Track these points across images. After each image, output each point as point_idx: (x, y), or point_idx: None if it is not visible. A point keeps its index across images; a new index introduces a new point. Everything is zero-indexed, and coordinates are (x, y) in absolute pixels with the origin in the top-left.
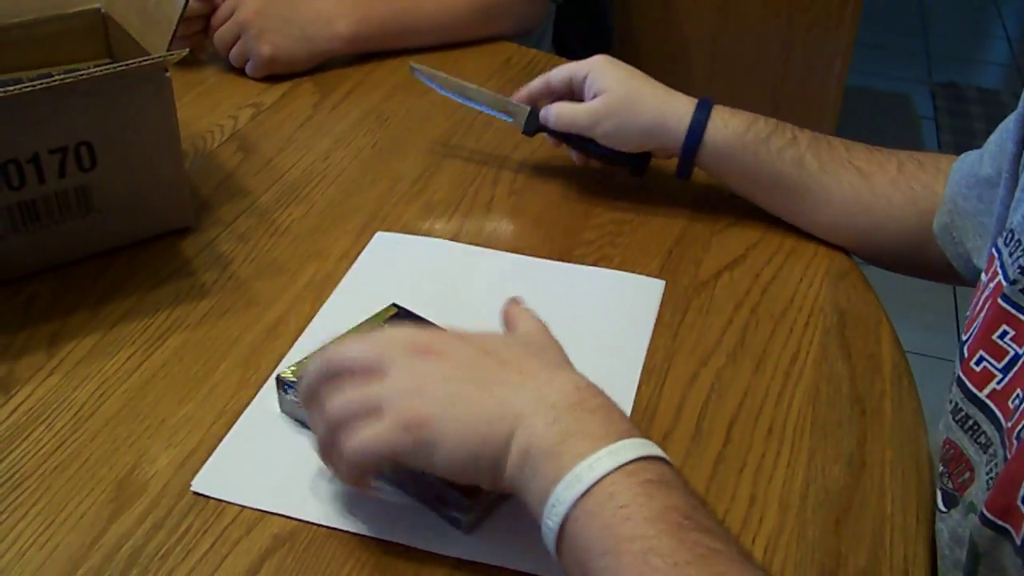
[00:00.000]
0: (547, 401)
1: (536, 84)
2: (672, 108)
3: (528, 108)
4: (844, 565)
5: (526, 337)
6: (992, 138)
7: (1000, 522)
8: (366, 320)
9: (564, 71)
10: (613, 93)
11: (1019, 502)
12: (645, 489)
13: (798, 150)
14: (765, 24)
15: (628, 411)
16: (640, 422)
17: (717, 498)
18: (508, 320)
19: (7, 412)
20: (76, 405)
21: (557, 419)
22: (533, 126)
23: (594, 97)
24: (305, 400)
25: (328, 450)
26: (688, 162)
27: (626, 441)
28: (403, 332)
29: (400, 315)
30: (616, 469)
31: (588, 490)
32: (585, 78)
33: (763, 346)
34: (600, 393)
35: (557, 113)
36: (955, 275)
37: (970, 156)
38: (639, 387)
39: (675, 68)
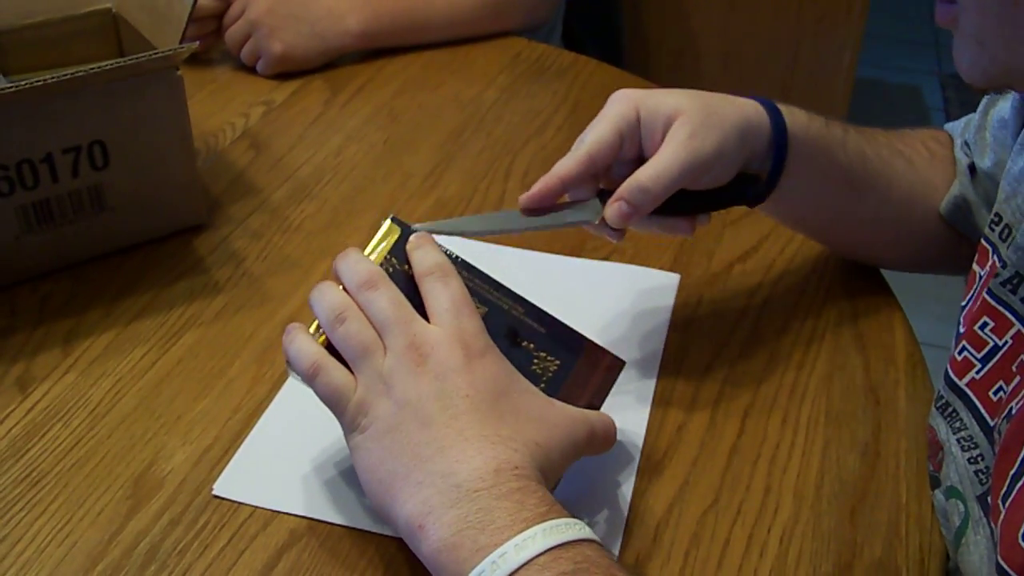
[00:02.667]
0: (452, 479)
1: (572, 168)
2: (742, 101)
3: (595, 197)
4: (860, 555)
5: (491, 382)
6: (977, 126)
7: (991, 524)
8: (372, 247)
9: (607, 128)
10: (686, 106)
11: (1000, 499)
12: None
13: (855, 140)
14: (774, 16)
15: (648, 404)
16: (655, 414)
17: (732, 489)
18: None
19: (24, 410)
20: (92, 403)
21: (456, 503)
22: None
23: (665, 132)
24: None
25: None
26: (780, 162)
27: (536, 529)
28: (401, 336)
29: (403, 237)
30: (525, 564)
31: None
32: (638, 118)
33: (776, 337)
34: (521, 475)
35: (651, 178)
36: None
37: (956, 126)
38: (659, 370)
39: (684, 60)
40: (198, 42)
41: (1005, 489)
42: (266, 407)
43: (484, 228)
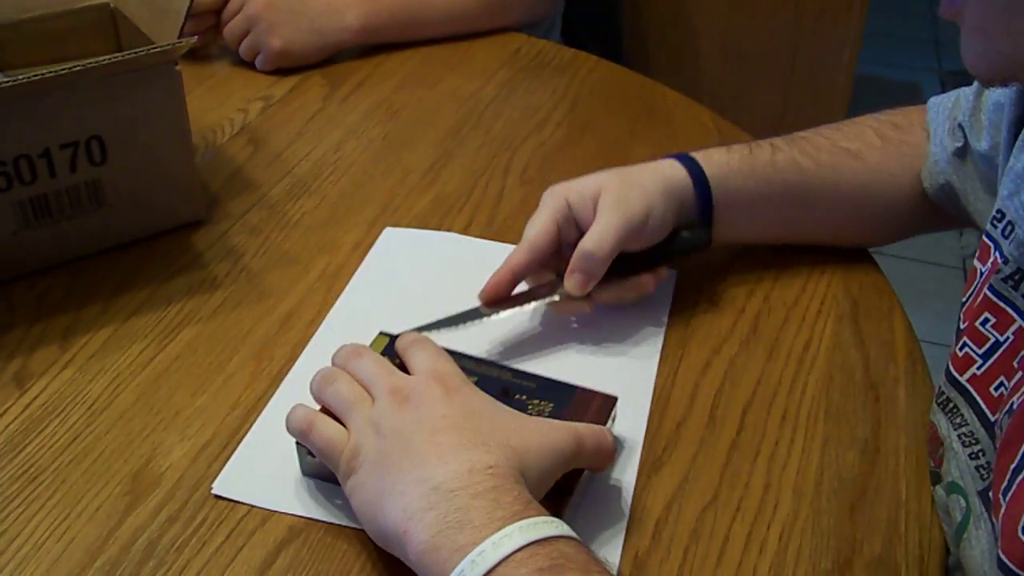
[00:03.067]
0: (430, 483)
1: (519, 260)
2: (656, 164)
3: (555, 278)
4: (859, 552)
5: (468, 404)
6: (972, 108)
7: (993, 519)
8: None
9: (543, 220)
10: (607, 181)
11: (1000, 493)
12: None
13: (785, 155)
14: (774, 14)
15: (647, 401)
16: (654, 411)
17: (731, 485)
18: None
19: (22, 406)
20: (90, 398)
21: (434, 505)
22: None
23: (595, 207)
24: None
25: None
26: (708, 206)
27: (513, 527)
28: (381, 382)
29: (391, 343)
30: (502, 561)
31: None
32: (568, 204)
33: (776, 334)
34: (496, 474)
35: (594, 243)
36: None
37: (943, 104)
38: (657, 368)
39: (684, 58)
40: (196, 37)
41: (1006, 484)
42: (264, 403)
43: (460, 324)
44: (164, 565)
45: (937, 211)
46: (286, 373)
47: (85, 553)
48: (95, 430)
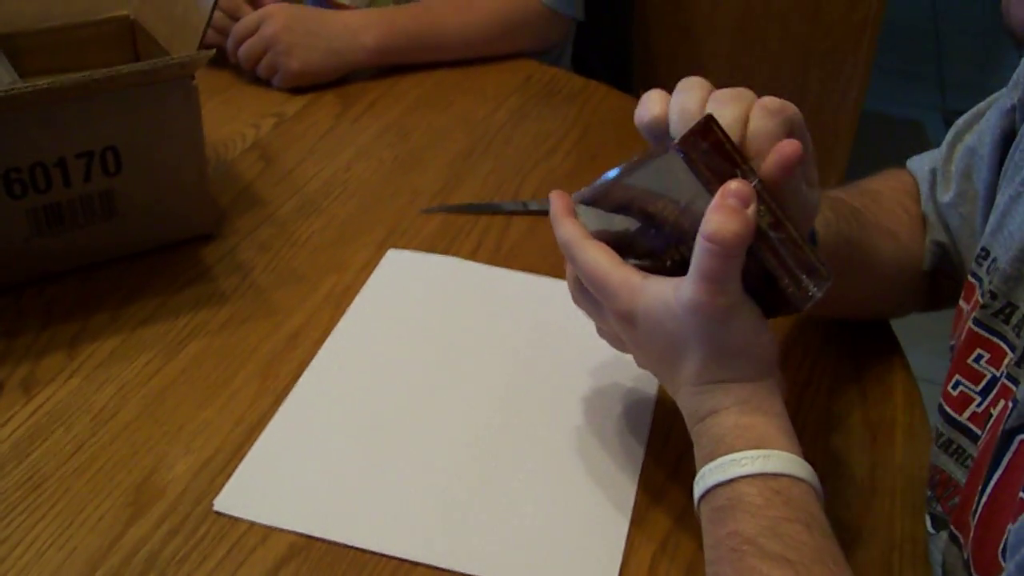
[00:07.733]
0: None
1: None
2: None
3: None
4: None
5: (651, 335)
6: (944, 158)
7: (956, 533)
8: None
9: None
10: None
11: (970, 516)
12: (712, 516)
13: (845, 226)
14: (782, 48)
15: (647, 427)
16: (653, 440)
17: None
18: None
19: (27, 413)
20: (95, 408)
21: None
22: None
23: None
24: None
25: None
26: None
27: (704, 470)
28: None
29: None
30: (700, 499)
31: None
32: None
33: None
34: (693, 422)
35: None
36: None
37: (922, 162)
38: (656, 402)
39: None
40: (214, 50)
41: (974, 506)
42: (268, 420)
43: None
44: None
45: (935, 286)
46: (291, 391)
47: (86, 563)
48: (100, 440)
